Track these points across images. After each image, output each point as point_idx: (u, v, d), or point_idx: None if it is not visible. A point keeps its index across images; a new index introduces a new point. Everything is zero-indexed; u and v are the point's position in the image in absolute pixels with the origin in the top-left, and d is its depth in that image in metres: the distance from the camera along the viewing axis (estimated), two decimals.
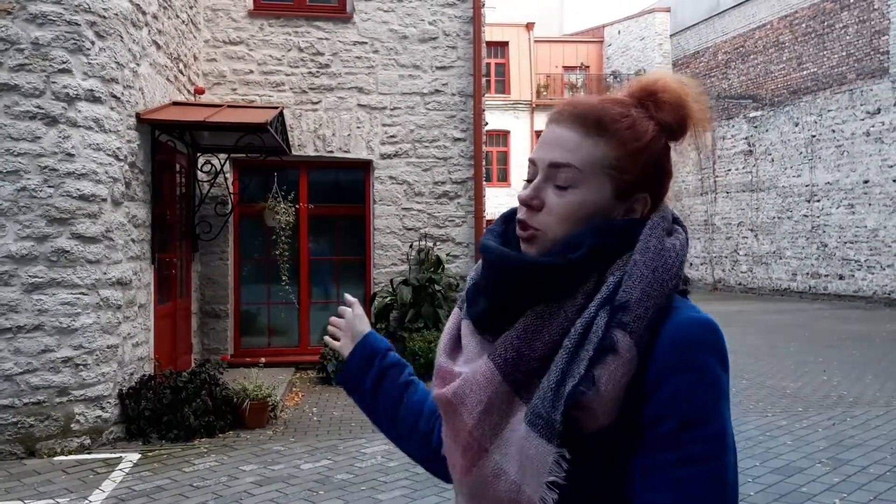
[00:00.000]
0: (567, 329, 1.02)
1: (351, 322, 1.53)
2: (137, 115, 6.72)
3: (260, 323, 9.76)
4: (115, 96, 6.30)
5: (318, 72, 9.45)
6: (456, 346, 1.18)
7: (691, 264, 27.60)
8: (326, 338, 1.57)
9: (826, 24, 21.60)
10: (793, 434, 6.52)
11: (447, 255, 9.58)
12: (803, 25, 22.49)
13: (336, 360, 8.66)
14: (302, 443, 6.32)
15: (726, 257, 25.95)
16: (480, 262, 1.16)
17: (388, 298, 9.29)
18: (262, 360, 8.28)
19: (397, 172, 9.60)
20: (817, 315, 17.25)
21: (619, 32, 31.39)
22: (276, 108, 7.94)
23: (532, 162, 1.12)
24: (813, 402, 7.73)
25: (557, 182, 1.08)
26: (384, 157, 9.58)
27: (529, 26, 27.97)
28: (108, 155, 6.20)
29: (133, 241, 6.64)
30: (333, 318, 1.56)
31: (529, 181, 1.11)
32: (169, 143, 7.58)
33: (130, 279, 6.53)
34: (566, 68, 31.09)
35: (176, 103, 7.73)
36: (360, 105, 9.54)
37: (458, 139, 9.69)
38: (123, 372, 6.41)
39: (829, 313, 17.66)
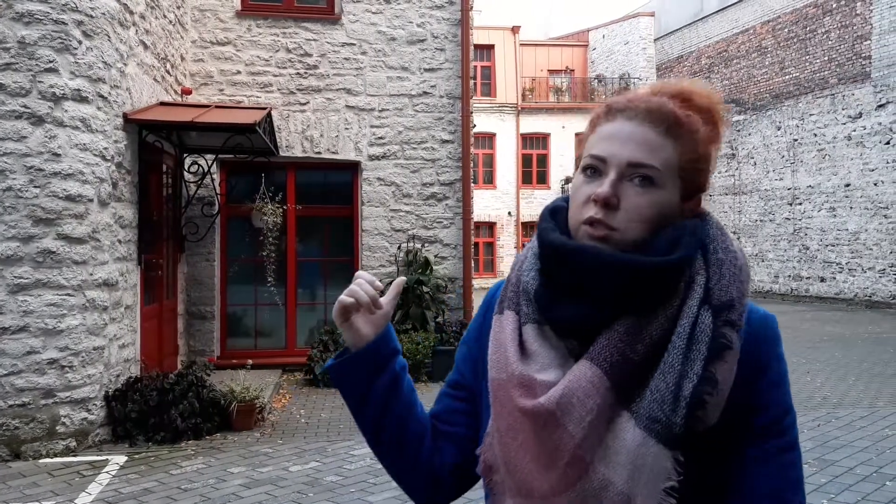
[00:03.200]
0: (667, 329, 1.01)
1: (382, 301, 1.21)
2: (124, 116, 6.67)
3: (247, 324, 9.71)
4: (102, 96, 6.25)
5: (306, 73, 9.42)
6: (523, 353, 1.08)
7: None
8: (343, 297, 1.17)
9: (808, 28, 21.82)
10: None
11: (435, 256, 9.58)
12: (786, 30, 22.70)
13: (324, 363, 8.64)
14: (290, 445, 6.29)
15: None
16: (533, 262, 1.12)
17: None
18: (250, 361, 8.25)
19: (385, 174, 9.60)
20: (799, 317, 17.40)
21: (603, 36, 31.54)
22: (265, 108, 7.91)
23: (599, 158, 1.08)
24: (798, 403, 7.78)
25: (636, 182, 1.05)
26: (372, 158, 9.57)
27: (515, 29, 28.05)
28: (95, 155, 6.16)
29: (119, 241, 6.59)
30: (367, 277, 1.20)
31: (589, 176, 1.08)
32: (156, 144, 7.53)
33: (117, 280, 6.48)
34: (551, 72, 31.20)
35: (163, 103, 7.68)
36: (348, 106, 9.52)
37: (446, 141, 9.70)
38: (110, 374, 6.36)
39: (811, 315, 17.82)
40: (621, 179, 1.05)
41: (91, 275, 6.09)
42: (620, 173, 1.05)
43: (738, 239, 24.41)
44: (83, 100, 6.06)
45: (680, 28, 27.83)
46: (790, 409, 1.07)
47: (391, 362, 1.20)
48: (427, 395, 8.20)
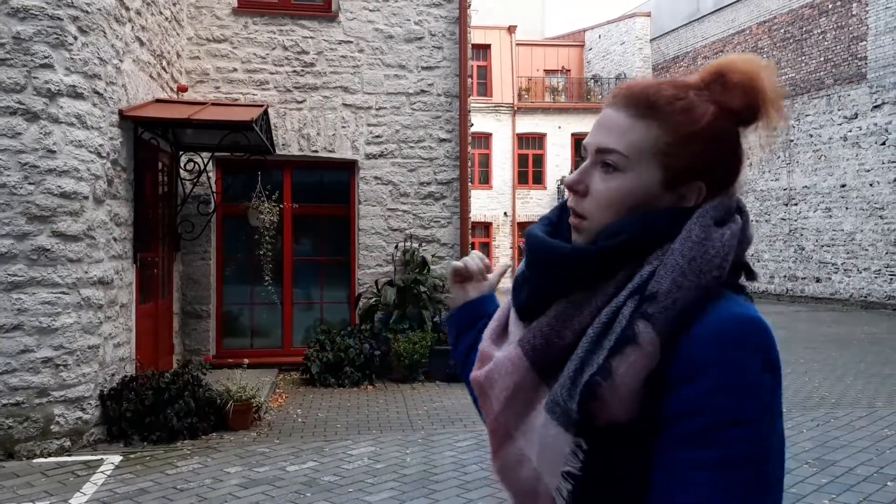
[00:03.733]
0: (596, 316, 0.99)
1: (489, 276, 1.46)
2: (120, 112, 6.61)
3: (243, 324, 9.66)
4: (97, 92, 6.20)
5: (302, 71, 9.37)
6: (503, 333, 1.16)
7: None
8: (456, 262, 1.44)
9: (804, 29, 21.84)
10: None
11: (433, 256, 9.54)
12: (782, 31, 22.73)
13: (320, 362, 8.59)
14: (287, 444, 6.24)
15: None
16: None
17: (373, 300, 9.23)
18: (246, 361, 8.16)
19: (382, 173, 9.55)
20: (795, 317, 17.41)
21: (599, 37, 31.56)
22: (261, 106, 7.86)
23: (584, 147, 1.09)
24: (796, 404, 7.76)
25: (599, 167, 1.04)
26: (369, 157, 9.53)
27: (511, 29, 28.02)
28: (91, 152, 6.10)
29: (115, 239, 6.53)
30: (478, 254, 1.48)
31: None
32: (152, 141, 7.48)
33: (112, 278, 6.42)
34: (547, 72, 31.20)
35: (159, 100, 7.62)
36: (345, 104, 9.47)
37: (444, 140, 9.66)
38: (104, 373, 6.30)
39: (807, 315, 17.84)
40: (594, 166, 1.05)
41: (86, 273, 6.03)
42: (593, 160, 1.05)
43: None
44: (78, 96, 6.00)
45: (676, 28, 27.85)
46: (730, 424, 0.88)
47: (485, 318, 1.32)
48: (424, 395, 8.15)
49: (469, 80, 9.68)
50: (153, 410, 6.27)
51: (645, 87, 1.04)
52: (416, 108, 9.62)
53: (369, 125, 9.53)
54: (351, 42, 9.48)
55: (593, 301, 0.99)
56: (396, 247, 9.51)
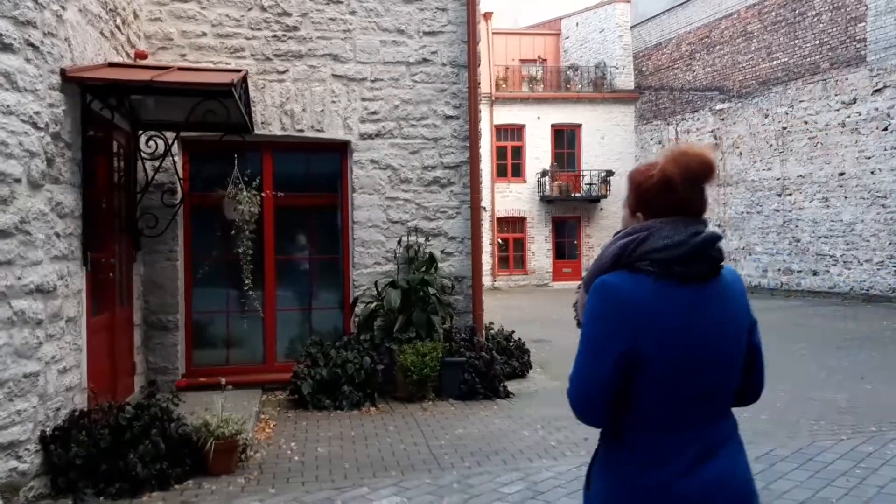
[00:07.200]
0: None
1: None
2: (62, 72, 5.16)
3: (217, 335, 8.19)
4: (31, 44, 4.74)
5: (284, 35, 7.95)
6: None
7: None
8: None
9: (797, 11, 20.93)
10: (890, 462, 5.35)
11: (441, 252, 8.20)
12: (773, 14, 21.80)
13: (312, 380, 7.22)
14: (286, 495, 4.86)
15: None
16: None
17: (373, 304, 7.86)
18: (223, 380, 6.70)
19: (380, 155, 8.18)
20: (801, 313, 16.44)
21: (577, 24, 30.48)
22: (240, 71, 6.44)
23: None
24: (874, 418, 6.63)
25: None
26: (364, 137, 8.14)
27: (487, 16, 26.69)
28: (23, 121, 4.65)
29: (58, 235, 5.08)
30: None
31: None
32: (104, 113, 6.03)
33: (55, 285, 4.97)
34: (523, 61, 30.08)
35: (113, 64, 6.17)
36: (335, 75, 8.07)
37: (451, 117, 8.32)
38: (46, 408, 4.85)
39: (812, 310, 16.89)
40: None
41: (19, 279, 4.58)
42: None
43: (724, 232, 23.47)
44: (6, 48, 4.54)
45: (658, 14, 26.85)
46: (584, 325, 1.89)
47: None
48: (440, 419, 6.79)
49: (479, 46, 8.33)
50: (111, 455, 4.86)
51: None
52: (418, 80, 8.26)
53: (364, 100, 8.14)
54: (341, 2, 8.07)
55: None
56: (399, 242, 8.15)
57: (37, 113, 4.79)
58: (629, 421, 1.82)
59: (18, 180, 4.60)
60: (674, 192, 1.80)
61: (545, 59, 30.70)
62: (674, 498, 1.75)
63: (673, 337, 1.75)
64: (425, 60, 8.27)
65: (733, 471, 1.83)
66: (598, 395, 1.78)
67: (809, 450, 5.71)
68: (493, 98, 26.29)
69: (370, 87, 8.16)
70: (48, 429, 4.85)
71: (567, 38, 31.00)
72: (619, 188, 26.77)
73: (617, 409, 1.82)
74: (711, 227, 1.86)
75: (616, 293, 1.78)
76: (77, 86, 5.41)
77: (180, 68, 6.47)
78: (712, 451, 1.80)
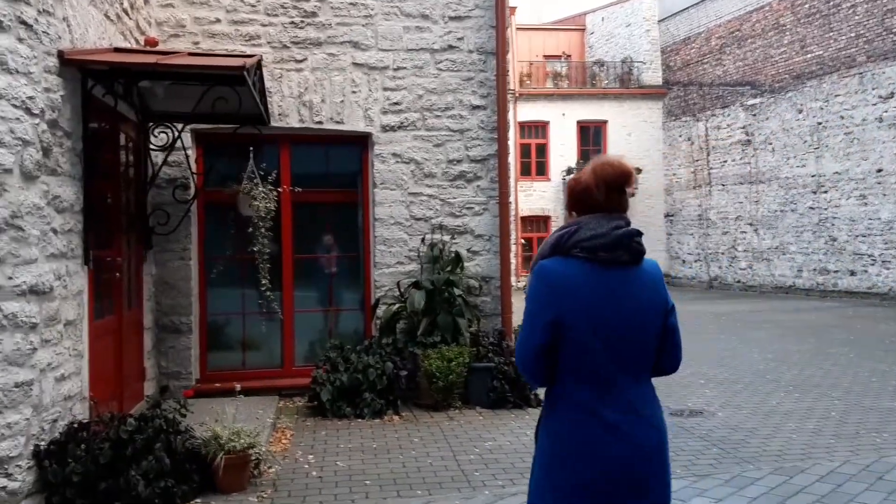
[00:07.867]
0: None
1: None
2: (60, 55, 4.75)
3: (232, 338, 7.78)
4: (24, 22, 4.34)
5: (302, 22, 7.52)
6: None
7: (684, 261, 26.11)
8: None
9: (832, 3, 20.22)
10: None
11: (467, 251, 7.73)
12: (807, 6, 21.09)
13: (332, 386, 6.78)
14: None
15: (723, 254, 24.49)
16: None
17: (396, 305, 7.41)
18: (238, 386, 6.30)
19: (402, 148, 7.73)
20: (840, 314, 15.78)
21: (602, 19, 29.89)
22: (253, 56, 6.01)
23: None
24: None
25: None
26: (386, 129, 7.70)
27: (511, 11, 26.17)
28: (14, 106, 4.24)
29: (55, 231, 4.68)
30: None
31: None
32: (108, 101, 5.63)
33: (51, 286, 4.57)
34: (547, 57, 29.53)
35: (118, 49, 5.77)
36: (355, 64, 7.64)
37: (478, 107, 7.85)
38: (41, 420, 4.45)
39: (852, 311, 16.21)
40: None
41: (10, 279, 4.18)
42: None
43: (756, 231, 22.81)
44: None
45: (686, 7, 26.20)
46: (529, 297, 2.27)
47: None
48: (468, 429, 6.30)
49: (507, 32, 7.84)
50: (111, 471, 4.45)
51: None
52: (443, 68, 7.79)
53: (385, 90, 7.70)
54: None
55: None
56: (422, 240, 7.69)
57: (30, 98, 4.38)
58: (560, 378, 2.24)
59: (9, 171, 4.19)
60: (595, 194, 2.25)
61: (570, 55, 30.12)
62: (596, 443, 2.15)
63: (592, 307, 2.16)
64: (451, 47, 7.80)
65: (650, 421, 2.22)
66: (533, 357, 2.21)
67: (877, 466, 5.18)
68: (517, 94, 25.78)
69: (392, 76, 7.71)
70: (43, 443, 4.45)
71: (592, 33, 30.41)
72: (646, 186, 26.16)
73: (552, 370, 2.24)
74: (634, 224, 2.25)
75: (549, 274, 2.20)
76: (77, 70, 5.00)
77: (191, 53, 6.07)
78: (631, 407, 2.18)
